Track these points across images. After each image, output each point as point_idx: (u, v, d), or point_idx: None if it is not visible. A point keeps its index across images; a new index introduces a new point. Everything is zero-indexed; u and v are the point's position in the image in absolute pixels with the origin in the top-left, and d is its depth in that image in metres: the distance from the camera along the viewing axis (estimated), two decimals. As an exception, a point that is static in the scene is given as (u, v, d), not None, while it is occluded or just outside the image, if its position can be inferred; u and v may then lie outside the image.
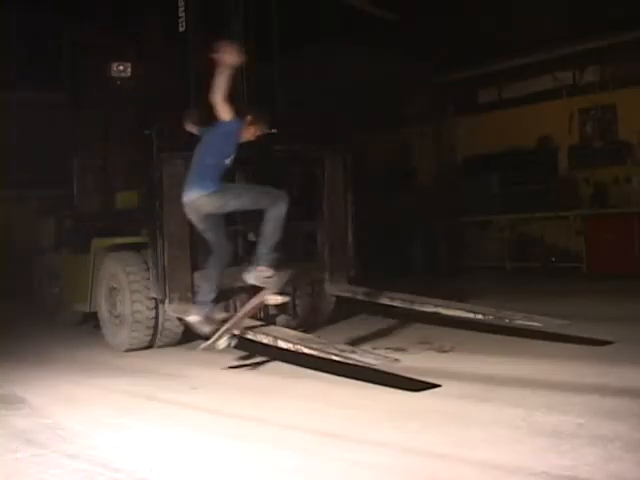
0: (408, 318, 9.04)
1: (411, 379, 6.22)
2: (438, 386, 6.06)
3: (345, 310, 9.88)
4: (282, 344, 6.79)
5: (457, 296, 9.12)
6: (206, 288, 7.31)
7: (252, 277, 7.17)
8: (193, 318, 7.31)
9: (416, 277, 14.03)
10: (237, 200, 7.17)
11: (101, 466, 4.51)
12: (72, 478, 4.37)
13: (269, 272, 7.10)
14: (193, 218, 7.18)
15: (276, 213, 7.03)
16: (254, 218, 8.88)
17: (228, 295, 8.74)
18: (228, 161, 7.08)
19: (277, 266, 7.15)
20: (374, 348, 7.23)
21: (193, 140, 8.42)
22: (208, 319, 7.27)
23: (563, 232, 14.81)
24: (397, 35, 15.12)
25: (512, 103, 16.55)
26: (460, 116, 17.51)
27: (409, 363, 6.63)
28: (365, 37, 14.97)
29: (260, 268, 7.11)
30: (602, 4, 13.33)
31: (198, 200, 6.97)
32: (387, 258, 14.59)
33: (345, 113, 13.99)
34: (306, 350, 6.54)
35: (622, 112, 14.72)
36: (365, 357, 6.15)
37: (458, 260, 16.29)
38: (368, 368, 6.14)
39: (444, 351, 7.61)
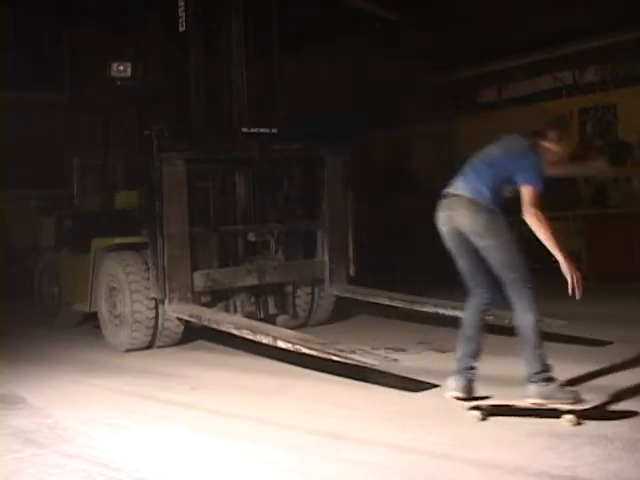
0: (408, 318, 9.04)
1: (411, 379, 6.23)
2: (438, 386, 6.06)
3: (345, 310, 9.88)
4: (281, 344, 6.79)
5: (457, 296, 9.11)
6: (465, 351, 5.54)
7: (536, 394, 5.12)
8: (450, 394, 5.40)
9: (416, 277, 14.00)
10: (497, 246, 5.43)
11: (101, 466, 4.51)
12: (72, 478, 4.37)
13: (552, 386, 5.13)
14: (444, 229, 5.69)
15: (525, 322, 5.43)
16: (254, 219, 8.96)
17: (228, 295, 8.77)
18: (508, 193, 5.74)
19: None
20: (373, 348, 7.22)
21: (193, 140, 8.47)
22: (468, 389, 5.42)
23: (563, 232, 14.74)
24: (397, 35, 15.11)
25: (512, 103, 16.54)
26: (460, 116, 17.49)
27: (409, 363, 6.64)
28: (365, 37, 14.97)
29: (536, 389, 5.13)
30: (602, 4, 13.31)
31: (462, 203, 5.52)
32: (386, 258, 14.58)
33: (345, 113, 14.00)
34: (305, 350, 6.54)
35: (622, 112, 14.71)
36: (364, 357, 6.15)
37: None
38: (368, 368, 6.15)
39: (444, 351, 7.59)
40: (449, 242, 5.63)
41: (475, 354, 5.51)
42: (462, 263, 5.59)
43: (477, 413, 5.16)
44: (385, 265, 13.68)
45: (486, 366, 6.74)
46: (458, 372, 5.45)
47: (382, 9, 14.78)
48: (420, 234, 16.16)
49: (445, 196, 5.67)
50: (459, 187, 5.58)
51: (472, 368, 5.48)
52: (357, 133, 12.38)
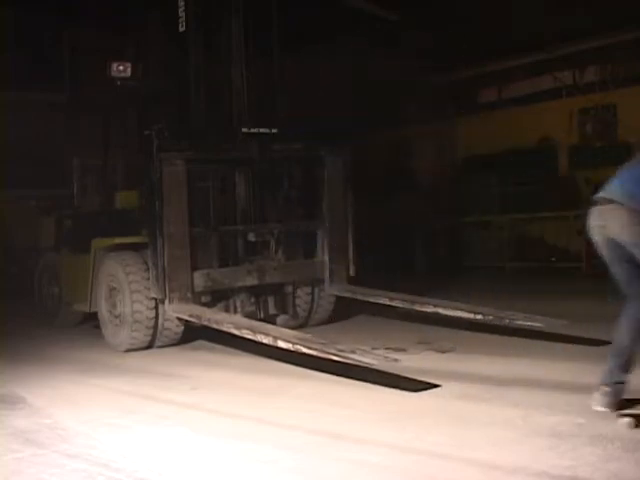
0: (408, 318, 9.03)
1: (411, 379, 6.22)
2: (438, 386, 6.06)
3: (345, 310, 9.88)
4: (282, 344, 6.79)
5: (457, 296, 9.12)
6: (617, 363, 5.08)
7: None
8: (597, 408, 5.03)
9: (416, 277, 14.02)
10: None
11: (101, 466, 4.50)
12: (72, 478, 4.36)
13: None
14: (597, 238, 5.19)
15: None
16: (254, 219, 8.97)
17: (228, 295, 8.77)
18: None
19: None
20: (374, 348, 7.21)
21: (193, 140, 8.47)
22: (615, 405, 5.03)
23: (563, 232, 14.84)
24: (397, 35, 15.13)
25: (512, 103, 16.56)
26: (460, 116, 17.51)
27: (409, 363, 6.63)
28: (365, 37, 14.99)
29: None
30: (602, 4, 13.33)
31: (617, 213, 5.05)
32: (387, 258, 14.60)
33: (345, 113, 14.01)
34: (305, 350, 6.54)
35: (622, 112, 14.73)
36: (364, 357, 6.15)
37: (458, 260, 16.30)
38: (368, 368, 6.15)
39: (444, 351, 7.61)
40: (602, 251, 5.19)
41: (626, 367, 5.06)
42: (617, 271, 5.15)
43: (629, 420, 4.76)
44: (385, 265, 13.69)
45: (485, 366, 6.77)
46: (606, 385, 5.07)
47: (382, 9, 14.79)
48: (420, 234, 16.34)
49: (597, 202, 5.22)
50: (613, 192, 5.15)
51: (622, 382, 5.06)
52: (357, 133, 12.39)
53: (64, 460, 4.66)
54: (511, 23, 14.46)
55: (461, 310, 8.18)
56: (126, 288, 8.45)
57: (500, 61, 16.05)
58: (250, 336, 7.22)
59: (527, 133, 15.83)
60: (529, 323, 7.60)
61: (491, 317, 7.92)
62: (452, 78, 17.22)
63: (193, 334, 8.81)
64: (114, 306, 8.78)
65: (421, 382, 6.16)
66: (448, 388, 6.03)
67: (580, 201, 14.82)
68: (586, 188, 14.95)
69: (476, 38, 15.22)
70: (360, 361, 6.08)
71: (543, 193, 15.21)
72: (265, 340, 6.99)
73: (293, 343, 6.67)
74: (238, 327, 7.45)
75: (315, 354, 6.47)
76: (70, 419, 5.73)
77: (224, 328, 7.61)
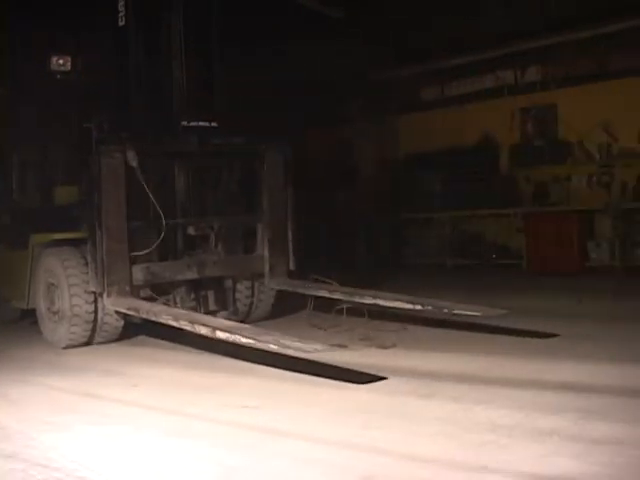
0: (351, 314, 9.02)
1: (354, 372, 6.23)
2: (383, 379, 6.09)
3: (287, 307, 9.88)
4: (220, 334, 6.74)
5: (398, 292, 9.15)
6: None
7: None
8: None
9: (358, 274, 14.04)
10: None
11: (40, 465, 4.43)
12: (9, 478, 4.28)
13: None
14: None
15: None
16: (194, 212, 8.92)
17: (168, 290, 8.71)
18: None
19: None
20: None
21: (132, 133, 8.39)
22: None
23: (504, 229, 15.01)
24: (340, 31, 15.13)
25: (454, 101, 16.66)
26: (402, 113, 17.57)
27: (351, 360, 6.65)
28: (308, 33, 14.96)
29: None
30: (543, 4, 13.49)
31: None
32: (328, 256, 14.60)
33: (287, 109, 13.98)
34: (244, 340, 6.50)
35: (562, 112, 14.92)
36: (305, 346, 6.13)
37: (399, 257, 16.39)
38: (310, 362, 6.14)
39: (385, 347, 7.61)
40: None
41: None
42: None
43: None
44: (325, 262, 13.67)
45: (427, 361, 6.81)
46: None
47: (326, 6, 14.79)
48: (361, 231, 16.38)
49: None
50: None
51: None
52: (298, 129, 12.39)
53: (1, 460, 4.57)
54: (453, 22, 14.55)
55: (400, 301, 8.21)
56: (64, 283, 8.34)
57: (442, 59, 16.12)
58: (188, 327, 7.16)
59: (469, 131, 15.96)
60: (468, 313, 7.69)
61: (430, 307, 7.98)
62: (394, 76, 17.24)
63: (134, 330, 8.74)
64: (52, 302, 8.67)
65: (367, 376, 6.16)
66: (390, 384, 6.06)
67: (520, 199, 15.05)
68: (526, 186, 15.16)
69: (419, 36, 15.31)
70: (300, 349, 6.06)
71: (484, 191, 15.35)
72: (203, 331, 6.93)
73: (231, 333, 6.63)
74: (176, 318, 7.39)
75: (253, 344, 6.43)
76: (8, 418, 5.65)
77: (162, 320, 7.54)
